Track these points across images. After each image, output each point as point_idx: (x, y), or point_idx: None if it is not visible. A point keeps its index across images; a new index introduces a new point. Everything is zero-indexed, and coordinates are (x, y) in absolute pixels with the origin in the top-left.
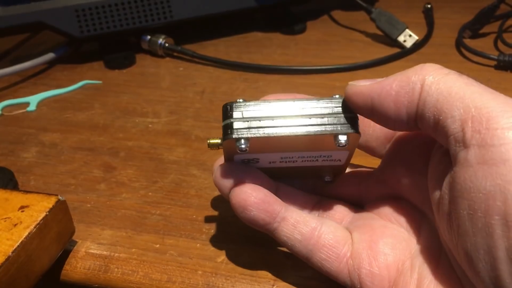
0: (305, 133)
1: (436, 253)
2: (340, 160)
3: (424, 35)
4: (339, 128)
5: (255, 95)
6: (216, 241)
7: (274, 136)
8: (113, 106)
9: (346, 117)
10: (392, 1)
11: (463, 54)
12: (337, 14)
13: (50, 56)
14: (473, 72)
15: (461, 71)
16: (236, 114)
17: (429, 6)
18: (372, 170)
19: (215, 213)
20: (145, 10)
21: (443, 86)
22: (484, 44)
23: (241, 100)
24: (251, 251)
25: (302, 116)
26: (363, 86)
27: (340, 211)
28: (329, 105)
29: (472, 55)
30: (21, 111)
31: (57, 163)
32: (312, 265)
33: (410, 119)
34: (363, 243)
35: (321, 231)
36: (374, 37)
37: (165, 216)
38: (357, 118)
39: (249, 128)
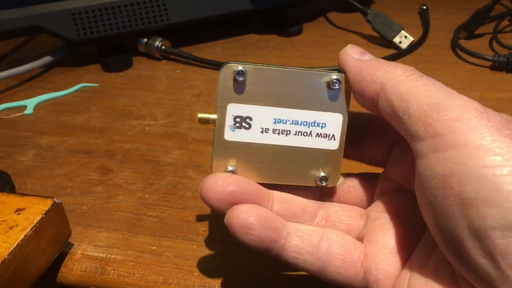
0: (299, 69)
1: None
2: (334, 138)
3: (419, 36)
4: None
5: None
6: (212, 243)
7: (270, 68)
8: (110, 108)
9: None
10: (387, 3)
11: (459, 55)
12: (333, 16)
13: (47, 59)
14: (469, 73)
15: (456, 72)
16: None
17: (424, 7)
18: (371, 173)
19: (211, 214)
20: (142, 13)
21: (402, 87)
22: (480, 45)
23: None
24: (247, 252)
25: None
26: (350, 58)
27: (347, 215)
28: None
29: (467, 56)
30: (18, 114)
31: (54, 166)
32: (326, 276)
33: (371, 105)
34: (377, 243)
35: (331, 239)
36: (370, 38)
37: (162, 218)
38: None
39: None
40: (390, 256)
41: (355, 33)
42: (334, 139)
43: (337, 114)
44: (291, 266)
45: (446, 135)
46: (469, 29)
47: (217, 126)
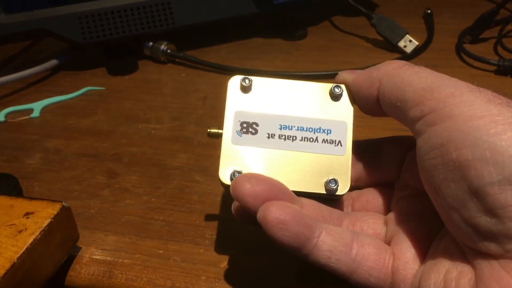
0: (302, 81)
1: None
2: (340, 144)
3: (424, 41)
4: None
5: None
6: (220, 247)
7: (275, 79)
8: (116, 112)
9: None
10: (392, 7)
11: (463, 59)
12: (337, 19)
13: (53, 62)
14: (473, 77)
15: (461, 76)
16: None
17: (429, 11)
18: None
19: (218, 218)
20: (148, 17)
21: (396, 78)
22: (484, 49)
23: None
24: (254, 257)
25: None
26: (345, 74)
27: (373, 221)
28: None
29: (472, 60)
30: (24, 117)
31: (61, 169)
32: (357, 279)
33: (376, 108)
34: (403, 244)
35: (362, 241)
36: (374, 42)
37: (169, 222)
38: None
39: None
40: (415, 255)
41: (360, 37)
42: (341, 145)
43: (342, 120)
44: (321, 267)
45: (441, 109)
46: (473, 33)
47: (225, 131)
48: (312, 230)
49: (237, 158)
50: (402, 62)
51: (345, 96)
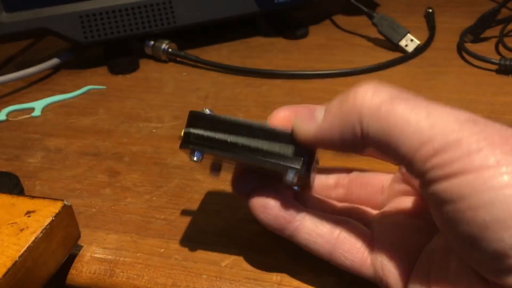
0: (253, 161)
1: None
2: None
3: (425, 40)
4: (286, 163)
5: (258, 100)
6: (221, 246)
7: (224, 156)
8: (117, 111)
9: (296, 151)
10: (393, 6)
11: (465, 58)
12: (339, 19)
13: (54, 61)
14: (475, 77)
15: (462, 75)
16: (198, 123)
17: (430, 10)
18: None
19: (219, 217)
20: (149, 16)
21: (383, 123)
22: (486, 49)
23: (207, 111)
24: (255, 255)
25: (257, 140)
26: (307, 133)
27: (361, 212)
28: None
29: (473, 60)
30: (26, 116)
31: (62, 168)
32: (334, 260)
33: (361, 150)
34: (385, 233)
35: (342, 227)
36: (376, 41)
37: (170, 220)
38: (306, 154)
39: (204, 140)
40: (398, 250)
41: (361, 36)
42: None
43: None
44: (303, 248)
45: (447, 164)
46: (475, 33)
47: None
48: (293, 216)
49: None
50: (375, 92)
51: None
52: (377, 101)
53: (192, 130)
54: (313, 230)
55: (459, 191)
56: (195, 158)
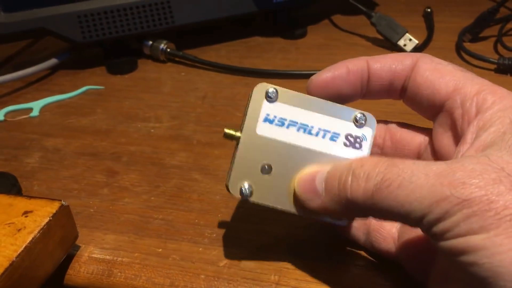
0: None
1: None
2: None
3: (424, 39)
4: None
5: None
6: (219, 245)
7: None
8: (115, 111)
9: None
10: (392, 5)
11: (463, 57)
12: (337, 18)
13: (52, 61)
14: None
15: None
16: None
17: (429, 10)
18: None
19: (217, 217)
20: (147, 16)
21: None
22: (484, 48)
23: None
24: (253, 255)
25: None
26: (312, 206)
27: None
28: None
29: (472, 59)
30: (24, 116)
31: (60, 168)
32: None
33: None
34: None
35: None
36: (374, 41)
37: (168, 220)
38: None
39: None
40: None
41: (360, 35)
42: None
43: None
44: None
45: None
46: (473, 32)
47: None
48: None
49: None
50: (372, 180)
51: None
52: (369, 188)
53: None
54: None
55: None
56: (273, 91)
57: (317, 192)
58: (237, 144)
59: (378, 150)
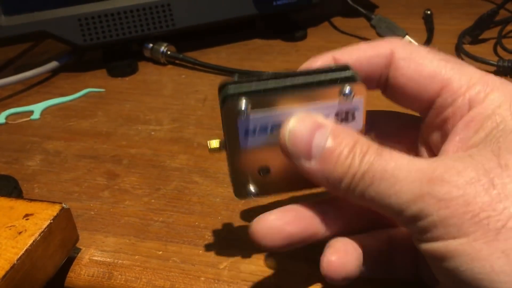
0: (306, 82)
1: None
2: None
3: (424, 41)
4: (341, 75)
5: None
6: (219, 248)
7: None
8: (116, 114)
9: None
10: (392, 8)
11: (463, 60)
12: (337, 20)
13: (53, 64)
14: None
15: None
16: (231, 82)
17: (429, 12)
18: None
19: (218, 219)
20: (147, 19)
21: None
22: (484, 50)
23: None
24: (253, 258)
25: (301, 73)
26: (302, 167)
27: None
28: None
29: (472, 61)
30: (25, 119)
31: (61, 171)
32: None
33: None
34: None
35: None
36: None
37: (168, 223)
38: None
39: (246, 85)
40: None
41: (360, 38)
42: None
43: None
44: None
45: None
46: (473, 34)
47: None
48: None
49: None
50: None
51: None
52: (358, 175)
53: (231, 85)
54: None
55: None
56: (243, 107)
57: (309, 155)
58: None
59: (382, 88)
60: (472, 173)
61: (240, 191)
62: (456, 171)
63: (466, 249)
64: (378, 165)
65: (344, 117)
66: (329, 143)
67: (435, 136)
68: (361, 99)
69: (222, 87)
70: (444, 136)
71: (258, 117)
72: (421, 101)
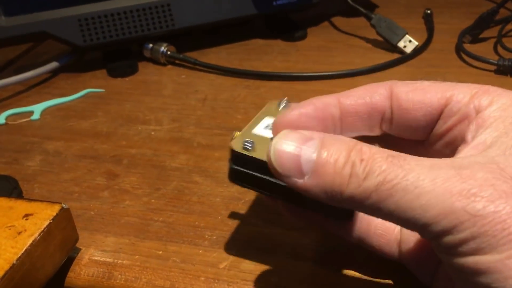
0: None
1: None
2: None
3: (424, 41)
4: None
5: (256, 102)
6: (219, 247)
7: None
8: (116, 114)
9: None
10: (392, 7)
11: (463, 59)
12: (337, 20)
13: (53, 65)
14: (473, 77)
15: (461, 76)
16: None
17: (429, 11)
18: None
19: (218, 219)
20: (147, 19)
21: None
22: (484, 49)
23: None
24: (253, 257)
25: None
26: (293, 184)
27: None
28: None
29: (472, 60)
30: (25, 119)
31: (61, 171)
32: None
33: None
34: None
35: None
36: (374, 43)
37: (168, 223)
38: None
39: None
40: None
41: (359, 37)
42: None
43: None
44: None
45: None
46: (473, 33)
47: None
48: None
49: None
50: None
51: None
52: (369, 188)
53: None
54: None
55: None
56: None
57: (301, 171)
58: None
59: (387, 126)
60: (504, 185)
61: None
62: (488, 183)
63: (500, 267)
64: (395, 175)
65: None
66: (320, 154)
67: (442, 147)
68: None
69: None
70: (452, 144)
71: None
72: (431, 121)
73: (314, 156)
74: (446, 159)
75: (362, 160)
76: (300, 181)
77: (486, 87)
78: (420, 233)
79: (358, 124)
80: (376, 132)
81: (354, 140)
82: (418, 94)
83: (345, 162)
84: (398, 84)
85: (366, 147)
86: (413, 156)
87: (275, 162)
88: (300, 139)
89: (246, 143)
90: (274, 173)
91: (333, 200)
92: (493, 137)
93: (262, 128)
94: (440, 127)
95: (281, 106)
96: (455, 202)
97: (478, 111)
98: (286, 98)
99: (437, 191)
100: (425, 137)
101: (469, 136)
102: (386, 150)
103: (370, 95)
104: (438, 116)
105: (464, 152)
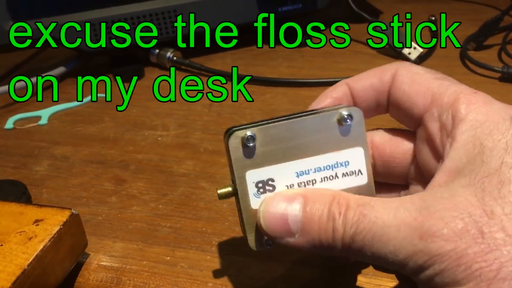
0: (306, 115)
1: None
2: (360, 173)
3: (428, 47)
4: (336, 108)
5: (262, 108)
6: (226, 253)
7: (277, 124)
8: (122, 119)
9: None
10: (396, 14)
11: (468, 66)
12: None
13: (60, 70)
14: (478, 84)
15: (465, 83)
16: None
17: (433, 18)
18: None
19: (225, 225)
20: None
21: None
22: (488, 56)
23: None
24: (260, 263)
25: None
26: (285, 244)
27: None
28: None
29: (476, 67)
30: (32, 124)
31: (69, 176)
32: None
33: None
34: None
35: None
36: (379, 49)
37: (175, 228)
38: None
39: (249, 127)
40: None
41: (364, 44)
42: (362, 173)
43: (357, 148)
44: None
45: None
46: (478, 40)
47: (241, 197)
48: None
49: None
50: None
51: (355, 120)
52: (347, 239)
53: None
54: None
55: None
56: (248, 134)
57: (290, 232)
58: (237, 198)
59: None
60: (461, 224)
61: (258, 241)
62: (443, 222)
63: None
64: (364, 226)
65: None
66: (304, 213)
67: (425, 154)
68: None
69: (226, 132)
70: (434, 153)
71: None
72: (412, 118)
73: (299, 215)
74: (414, 196)
75: (340, 213)
76: (291, 240)
77: (470, 95)
78: (401, 272)
79: (369, 108)
80: (382, 112)
81: (333, 192)
82: (411, 88)
83: (327, 217)
84: (403, 70)
85: (343, 199)
86: (382, 200)
87: (267, 228)
88: (284, 200)
89: (265, 241)
90: (268, 237)
91: (324, 252)
92: (463, 164)
93: (255, 193)
94: (421, 136)
95: (248, 144)
96: (417, 245)
97: (454, 125)
98: (246, 132)
99: (401, 235)
100: (414, 129)
101: (444, 151)
102: (360, 197)
103: (375, 80)
104: (420, 116)
105: (437, 178)
